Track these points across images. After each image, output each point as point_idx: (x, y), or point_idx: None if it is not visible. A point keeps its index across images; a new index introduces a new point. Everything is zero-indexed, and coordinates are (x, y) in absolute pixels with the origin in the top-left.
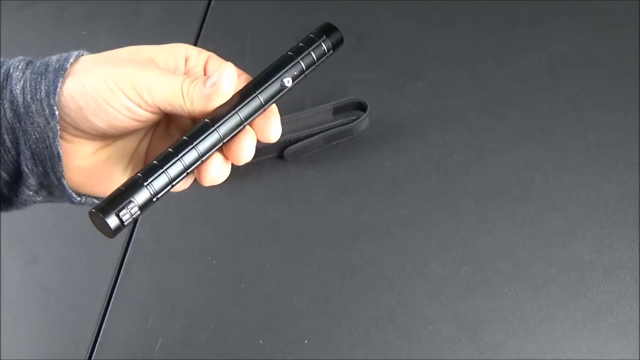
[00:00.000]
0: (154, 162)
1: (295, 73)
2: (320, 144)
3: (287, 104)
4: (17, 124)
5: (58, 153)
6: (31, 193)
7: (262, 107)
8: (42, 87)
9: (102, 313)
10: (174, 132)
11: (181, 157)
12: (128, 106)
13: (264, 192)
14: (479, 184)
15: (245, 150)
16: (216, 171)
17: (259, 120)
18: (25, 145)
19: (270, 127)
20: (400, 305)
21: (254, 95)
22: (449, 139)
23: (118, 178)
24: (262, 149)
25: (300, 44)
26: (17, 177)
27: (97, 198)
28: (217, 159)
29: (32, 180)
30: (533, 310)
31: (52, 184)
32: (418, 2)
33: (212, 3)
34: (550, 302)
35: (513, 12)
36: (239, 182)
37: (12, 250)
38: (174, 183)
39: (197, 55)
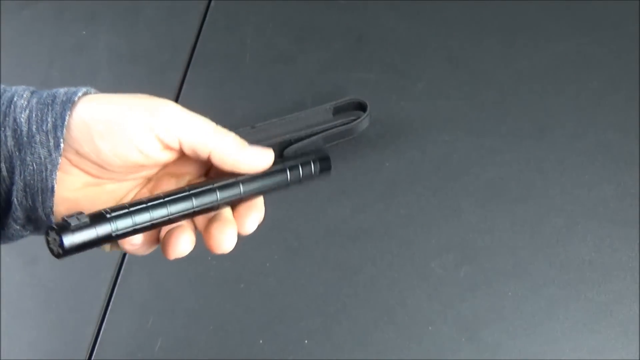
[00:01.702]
0: (125, 204)
1: (289, 179)
2: (320, 144)
3: (288, 104)
4: (17, 153)
5: (52, 187)
6: (18, 227)
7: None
8: (49, 119)
9: (102, 313)
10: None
11: (150, 208)
12: (145, 136)
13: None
14: (479, 184)
15: (226, 239)
16: (183, 243)
17: (242, 209)
18: (20, 176)
19: (249, 218)
20: (400, 305)
21: (235, 180)
22: (449, 139)
23: None
24: None
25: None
26: (6, 209)
27: None
28: (186, 230)
29: (19, 213)
30: (533, 310)
31: (39, 219)
32: (418, 2)
33: (212, 3)
34: (550, 302)
35: (513, 12)
36: None
37: (12, 250)
38: (137, 227)
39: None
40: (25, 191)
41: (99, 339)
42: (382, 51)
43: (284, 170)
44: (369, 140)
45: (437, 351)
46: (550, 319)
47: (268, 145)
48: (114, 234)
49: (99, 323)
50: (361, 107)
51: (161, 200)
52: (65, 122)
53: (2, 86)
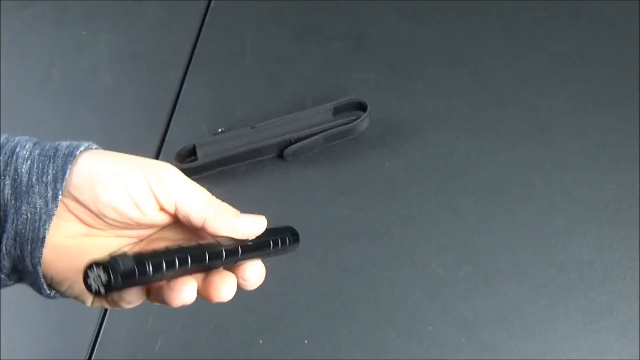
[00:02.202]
0: (158, 251)
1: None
2: (320, 144)
3: (288, 104)
4: (12, 202)
5: (43, 237)
6: (2, 276)
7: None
8: (50, 171)
9: (102, 313)
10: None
11: (180, 260)
12: (144, 193)
13: (264, 192)
14: (479, 184)
15: (227, 289)
16: (190, 292)
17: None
18: (13, 224)
19: (251, 273)
20: (400, 305)
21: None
22: (449, 139)
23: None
24: (262, 149)
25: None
26: None
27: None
28: (191, 281)
29: (6, 262)
30: (533, 310)
31: (26, 269)
32: (418, 2)
33: (212, 3)
34: (550, 302)
35: (513, 12)
36: (239, 182)
37: None
38: (164, 276)
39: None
40: (15, 240)
41: (99, 339)
42: (382, 51)
43: (268, 242)
44: (369, 140)
45: (437, 351)
46: (550, 319)
47: (268, 146)
48: (147, 280)
49: (99, 323)
50: (361, 107)
51: (184, 255)
52: (66, 175)
53: (5, 136)
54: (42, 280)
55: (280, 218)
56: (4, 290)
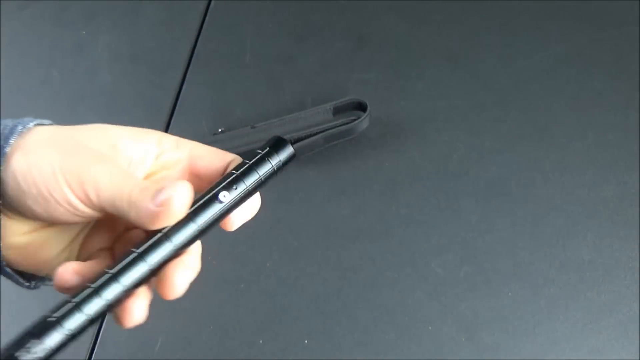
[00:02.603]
0: (69, 298)
1: (236, 189)
2: (320, 144)
3: (288, 104)
4: None
5: None
6: None
7: (195, 236)
8: None
9: None
10: (118, 225)
11: (99, 289)
12: (71, 201)
13: (264, 192)
14: (479, 184)
15: (178, 284)
16: (141, 310)
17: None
18: None
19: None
20: (400, 305)
21: (188, 220)
22: (449, 139)
23: (53, 259)
24: None
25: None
26: None
27: (45, 282)
28: (142, 295)
29: None
30: (533, 310)
31: None
32: (418, 2)
33: (212, 3)
34: (550, 302)
35: (513, 12)
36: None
37: None
38: (92, 318)
39: (174, 149)
40: None
41: (99, 339)
42: (382, 51)
43: (238, 179)
44: (369, 140)
45: (437, 351)
46: (550, 319)
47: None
48: (69, 336)
49: (99, 323)
50: (361, 107)
51: (109, 276)
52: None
53: None
54: (16, 276)
55: (280, 218)
56: (4, 291)
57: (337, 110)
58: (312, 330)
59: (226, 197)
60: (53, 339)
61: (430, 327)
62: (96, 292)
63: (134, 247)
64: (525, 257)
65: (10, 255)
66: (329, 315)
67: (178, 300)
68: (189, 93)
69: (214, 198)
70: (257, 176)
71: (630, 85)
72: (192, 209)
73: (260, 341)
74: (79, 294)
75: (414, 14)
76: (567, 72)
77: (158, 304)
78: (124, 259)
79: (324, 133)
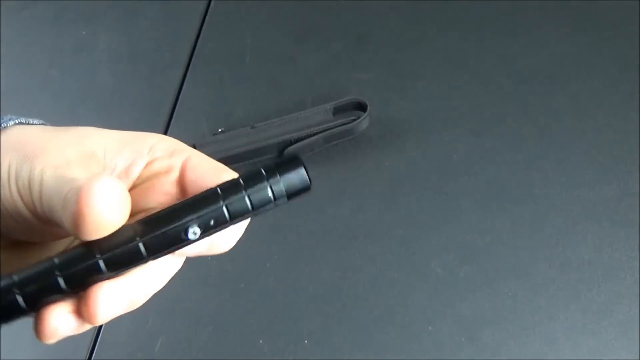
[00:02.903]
0: None
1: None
2: (320, 144)
3: (288, 104)
4: None
5: None
6: None
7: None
8: None
9: None
10: None
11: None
12: (19, 211)
13: None
14: (479, 184)
15: (102, 305)
16: (55, 322)
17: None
18: None
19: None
20: (400, 305)
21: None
22: (449, 139)
23: None
24: (262, 149)
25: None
26: None
27: None
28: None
29: None
30: (533, 310)
31: None
32: (418, 2)
33: (212, 3)
34: (550, 302)
35: (513, 12)
36: None
37: None
38: None
39: (166, 157)
40: None
41: (99, 339)
42: (382, 51)
43: (220, 208)
44: (369, 140)
45: (437, 351)
46: (550, 319)
47: (268, 146)
48: None
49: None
50: (361, 107)
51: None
52: None
53: None
54: None
55: (280, 218)
56: None
57: (337, 110)
58: (312, 330)
59: (194, 234)
60: None
61: (430, 327)
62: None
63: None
64: (525, 257)
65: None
66: (329, 315)
67: (178, 300)
68: (189, 93)
69: (181, 231)
70: (247, 208)
71: (630, 85)
72: (147, 237)
73: (260, 341)
74: None
75: (414, 14)
76: (567, 72)
77: (158, 304)
78: (34, 265)
79: (324, 133)
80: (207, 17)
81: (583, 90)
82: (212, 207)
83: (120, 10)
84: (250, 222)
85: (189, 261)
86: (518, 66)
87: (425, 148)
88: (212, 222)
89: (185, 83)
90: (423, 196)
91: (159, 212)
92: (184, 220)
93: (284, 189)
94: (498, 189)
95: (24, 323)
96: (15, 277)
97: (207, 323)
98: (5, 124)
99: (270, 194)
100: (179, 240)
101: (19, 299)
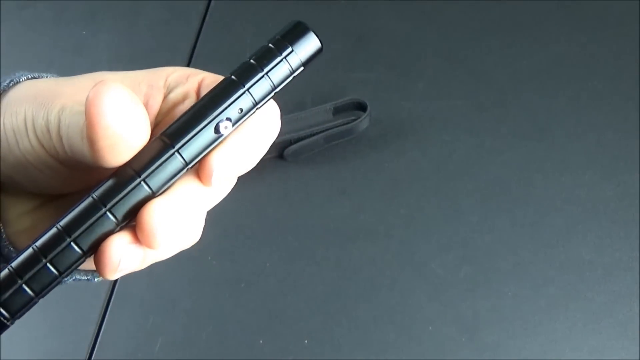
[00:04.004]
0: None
1: (241, 112)
2: (320, 144)
3: (287, 104)
4: None
5: None
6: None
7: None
8: None
9: (102, 313)
10: None
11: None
12: (40, 155)
13: (264, 192)
14: (479, 184)
15: (159, 224)
16: (117, 255)
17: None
18: None
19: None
20: (400, 305)
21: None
22: (449, 139)
23: None
24: None
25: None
26: None
27: None
28: (118, 240)
29: None
30: (533, 310)
31: (6, 258)
32: (418, 2)
33: (212, 3)
34: (550, 302)
35: (513, 12)
36: (239, 182)
37: None
38: (61, 275)
39: (182, 84)
40: None
41: (99, 339)
42: (382, 51)
43: (245, 94)
44: (369, 140)
45: (437, 351)
46: (550, 319)
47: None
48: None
49: (99, 323)
50: (361, 107)
51: (57, 231)
52: None
53: None
54: None
55: (280, 218)
56: None
57: (337, 110)
58: (312, 330)
59: (227, 128)
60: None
61: (430, 327)
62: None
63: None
64: (525, 257)
65: (21, 239)
66: (329, 315)
67: (178, 300)
68: None
69: (211, 125)
70: (271, 88)
71: (630, 85)
72: (182, 142)
73: (260, 341)
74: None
75: (414, 14)
76: (567, 72)
77: (158, 304)
78: (77, 206)
79: (324, 133)
80: (207, 17)
81: (583, 90)
82: (235, 96)
83: (120, 10)
84: (250, 223)
85: (189, 261)
86: (518, 66)
87: (425, 148)
88: (239, 111)
89: None
90: (423, 196)
91: (180, 118)
92: (212, 117)
93: (299, 58)
94: (498, 189)
95: (24, 323)
96: (61, 225)
97: (207, 323)
98: (18, 79)
99: (288, 68)
100: (213, 139)
101: (74, 246)
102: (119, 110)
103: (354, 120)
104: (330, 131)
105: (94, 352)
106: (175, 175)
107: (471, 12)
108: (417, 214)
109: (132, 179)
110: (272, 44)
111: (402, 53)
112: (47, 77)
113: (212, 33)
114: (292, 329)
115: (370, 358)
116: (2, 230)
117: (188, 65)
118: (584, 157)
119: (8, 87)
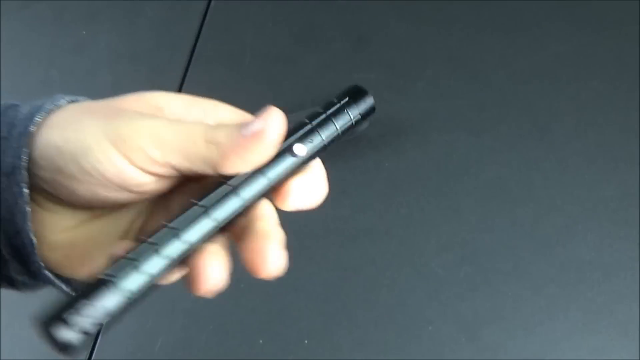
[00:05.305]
0: (128, 255)
1: (311, 142)
2: None
3: (288, 104)
4: None
5: (30, 241)
6: (25, 279)
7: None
8: (8, 159)
9: None
10: (174, 205)
11: (159, 248)
12: (121, 168)
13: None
14: (479, 184)
15: (273, 255)
16: (215, 273)
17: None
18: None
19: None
20: (400, 305)
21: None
22: (449, 139)
23: (100, 258)
24: None
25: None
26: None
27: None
28: (216, 253)
29: (16, 265)
30: (533, 310)
31: (35, 274)
32: (418, 2)
33: (212, 3)
34: (550, 302)
35: (513, 12)
36: None
37: None
38: (154, 278)
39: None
40: (11, 244)
41: (99, 339)
42: (382, 51)
43: (313, 131)
44: (369, 140)
45: (437, 351)
46: (550, 319)
47: None
48: (129, 300)
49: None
50: None
51: (168, 230)
52: (23, 162)
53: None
54: (58, 283)
55: (280, 218)
56: (4, 290)
57: None
58: (312, 330)
59: (301, 150)
60: (108, 300)
61: (430, 327)
62: (156, 250)
63: (195, 200)
64: (525, 257)
65: (53, 258)
66: (329, 315)
67: (178, 300)
68: (189, 93)
69: (288, 150)
70: (335, 129)
71: (630, 85)
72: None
73: (260, 341)
74: (134, 250)
75: (414, 14)
76: (567, 72)
77: (158, 304)
78: (184, 212)
79: None
80: (207, 17)
81: (583, 90)
82: (307, 130)
83: (120, 10)
84: None
85: None
86: (518, 66)
87: (425, 148)
88: (310, 139)
89: (185, 83)
90: (423, 196)
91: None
92: (288, 142)
93: (359, 113)
94: (498, 189)
95: (24, 323)
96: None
97: (207, 323)
98: (59, 102)
99: (348, 117)
100: (288, 157)
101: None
102: (278, 138)
103: None
104: None
105: (94, 352)
106: (262, 193)
107: (471, 12)
108: (417, 214)
109: (230, 195)
110: (337, 99)
111: (402, 53)
112: (84, 99)
113: (212, 33)
114: (292, 329)
115: (370, 358)
116: (35, 245)
117: (188, 65)
118: (584, 157)
119: (53, 108)
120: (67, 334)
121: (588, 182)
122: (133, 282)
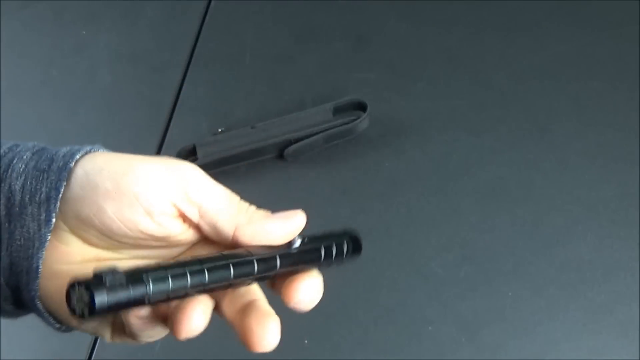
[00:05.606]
0: (161, 264)
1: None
2: (320, 144)
3: (288, 104)
4: (6, 225)
5: (37, 267)
6: (10, 307)
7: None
8: (44, 189)
9: None
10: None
11: (190, 273)
12: (157, 195)
13: (264, 192)
14: (479, 184)
15: (271, 333)
16: (198, 317)
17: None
18: (7, 250)
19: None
20: (400, 305)
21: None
22: (449, 139)
23: None
24: (262, 149)
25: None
26: None
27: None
28: (202, 302)
29: (7, 293)
30: (533, 310)
31: (25, 302)
32: (418, 2)
33: (212, 3)
34: (550, 302)
35: (513, 12)
36: (239, 182)
37: None
38: (170, 294)
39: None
40: (10, 269)
41: (99, 339)
42: (382, 51)
43: (318, 250)
44: (369, 140)
45: (437, 351)
46: (550, 319)
47: (268, 145)
48: (147, 299)
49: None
50: (361, 107)
51: (199, 267)
52: (60, 194)
53: (9, 145)
54: (46, 315)
55: None
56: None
57: (337, 110)
58: (312, 330)
59: (297, 243)
60: (137, 290)
61: (430, 327)
62: (185, 274)
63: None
64: (525, 257)
65: (49, 287)
66: (329, 315)
67: None
68: (189, 93)
69: (289, 245)
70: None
71: (630, 85)
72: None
73: None
74: (173, 267)
75: (414, 14)
76: (567, 72)
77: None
78: (212, 255)
79: (324, 133)
80: (207, 17)
81: (583, 90)
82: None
83: (120, 10)
84: None
85: None
86: (518, 66)
87: (425, 148)
88: (304, 242)
89: (185, 83)
90: (423, 196)
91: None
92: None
93: (344, 257)
94: (498, 189)
95: (23, 323)
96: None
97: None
98: (94, 148)
99: (343, 250)
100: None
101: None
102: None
103: (354, 120)
104: (330, 131)
105: (94, 352)
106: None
107: (471, 12)
108: (417, 214)
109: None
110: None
111: (402, 53)
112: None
113: (212, 33)
114: (292, 329)
115: (370, 358)
116: (40, 271)
117: (188, 65)
118: (584, 157)
119: (91, 151)
120: (101, 298)
121: (588, 182)
122: (158, 286)
